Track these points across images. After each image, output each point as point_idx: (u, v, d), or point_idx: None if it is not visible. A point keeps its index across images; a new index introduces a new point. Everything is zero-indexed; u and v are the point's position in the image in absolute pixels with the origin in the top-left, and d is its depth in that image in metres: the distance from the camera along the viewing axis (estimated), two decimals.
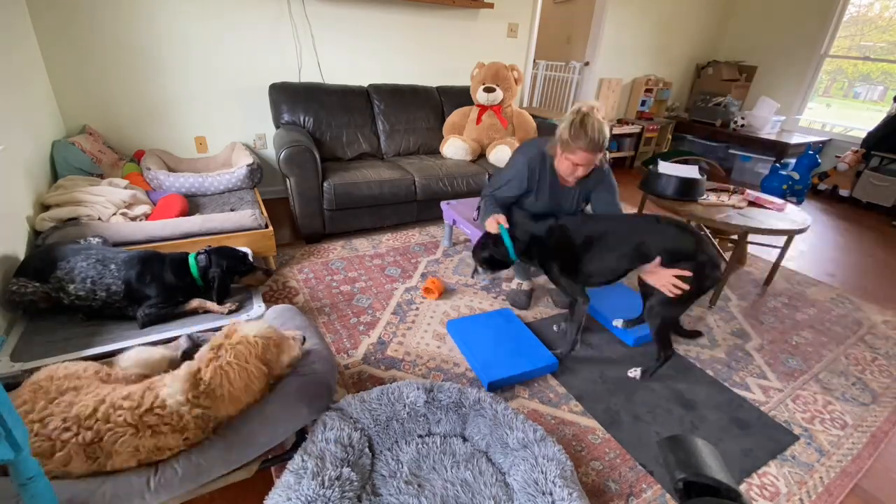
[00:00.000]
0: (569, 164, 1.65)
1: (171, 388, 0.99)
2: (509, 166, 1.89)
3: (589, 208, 1.93)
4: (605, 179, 1.80)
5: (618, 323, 1.94)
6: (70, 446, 0.89)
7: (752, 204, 2.37)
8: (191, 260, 1.58)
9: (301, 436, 1.16)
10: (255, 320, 1.53)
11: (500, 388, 1.62)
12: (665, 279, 1.49)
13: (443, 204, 2.56)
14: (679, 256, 1.50)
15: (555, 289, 2.26)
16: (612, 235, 1.63)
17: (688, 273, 1.46)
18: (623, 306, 2.08)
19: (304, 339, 1.22)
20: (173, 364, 1.27)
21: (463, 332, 1.84)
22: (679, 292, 1.47)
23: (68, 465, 0.89)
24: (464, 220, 2.35)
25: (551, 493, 1.05)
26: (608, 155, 1.81)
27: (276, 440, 1.09)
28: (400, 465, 1.18)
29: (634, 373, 1.74)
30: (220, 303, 1.60)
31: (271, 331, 1.10)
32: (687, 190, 2.33)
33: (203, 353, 1.04)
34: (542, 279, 2.39)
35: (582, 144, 1.56)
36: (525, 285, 2.18)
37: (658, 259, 1.53)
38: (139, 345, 1.33)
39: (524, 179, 1.80)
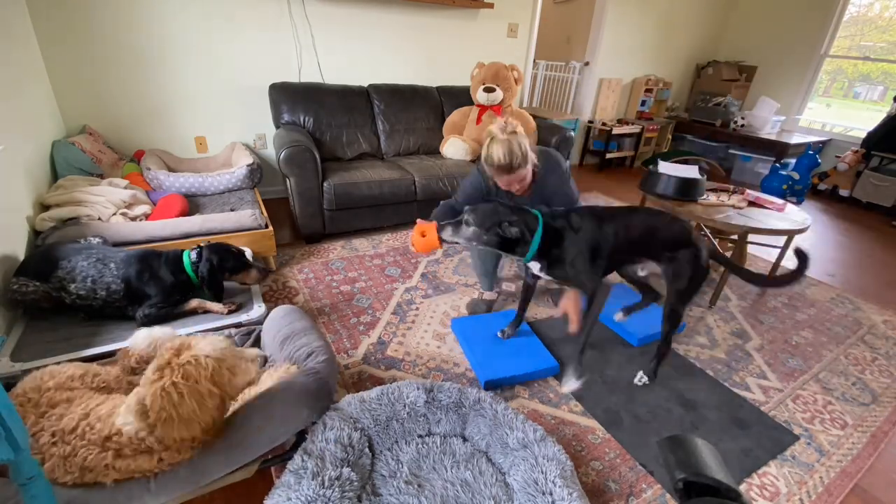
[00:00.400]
0: (501, 183, 1.68)
1: (122, 418, 0.92)
2: (470, 174, 1.88)
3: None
4: (558, 174, 1.75)
5: (618, 316, 1.95)
6: (54, 459, 0.89)
7: (752, 204, 2.37)
8: (185, 256, 1.58)
9: (301, 436, 1.16)
10: (215, 335, 1.52)
11: (497, 387, 1.62)
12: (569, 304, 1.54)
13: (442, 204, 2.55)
14: (678, 245, 1.53)
15: (554, 289, 2.25)
16: (628, 222, 1.56)
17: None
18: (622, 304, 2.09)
19: (266, 360, 1.14)
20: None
21: (466, 331, 1.84)
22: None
23: (55, 476, 0.89)
24: None
25: (551, 493, 1.05)
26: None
27: (277, 441, 1.09)
28: (400, 465, 1.18)
29: (642, 379, 1.70)
30: (214, 298, 1.60)
31: (227, 351, 1.01)
32: (687, 190, 2.33)
33: (148, 373, 0.93)
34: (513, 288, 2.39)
35: (492, 170, 1.59)
36: (487, 295, 2.08)
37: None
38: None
39: (482, 181, 1.78)
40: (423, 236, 1.48)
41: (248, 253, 1.76)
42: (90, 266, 1.47)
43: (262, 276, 1.71)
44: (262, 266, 1.72)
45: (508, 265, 2.51)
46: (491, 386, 1.60)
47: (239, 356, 1.03)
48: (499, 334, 1.82)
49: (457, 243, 1.49)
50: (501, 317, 1.96)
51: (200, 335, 1.06)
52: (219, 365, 0.96)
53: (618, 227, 1.51)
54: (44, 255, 1.50)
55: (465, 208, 1.48)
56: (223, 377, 0.97)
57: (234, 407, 1.10)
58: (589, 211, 1.54)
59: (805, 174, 4.00)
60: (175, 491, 0.96)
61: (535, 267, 1.56)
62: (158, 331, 1.23)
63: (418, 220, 1.55)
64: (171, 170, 2.56)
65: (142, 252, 1.58)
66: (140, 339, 1.21)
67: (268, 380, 1.18)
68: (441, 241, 1.47)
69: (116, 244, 1.75)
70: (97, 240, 1.70)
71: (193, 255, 1.58)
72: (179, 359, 0.93)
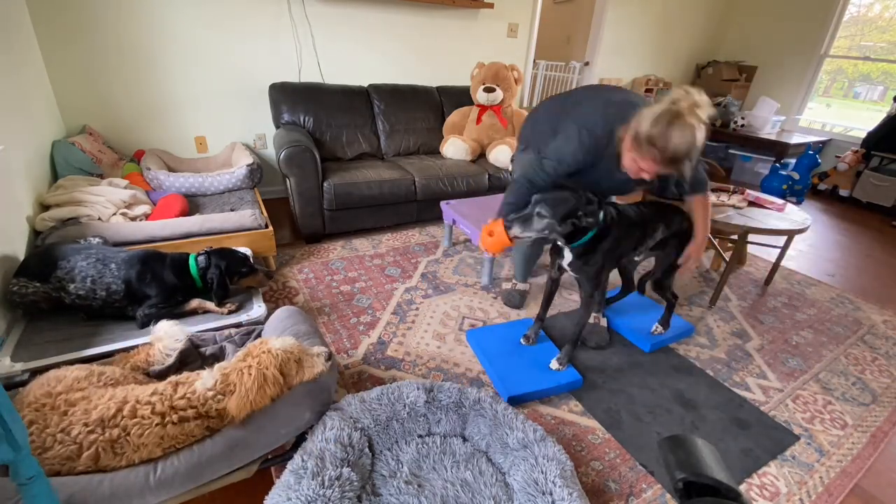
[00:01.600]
0: (633, 164, 1.33)
1: (204, 378, 1.07)
2: (567, 142, 1.43)
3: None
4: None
5: (657, 329, 1.94)
6: (98, 444, 0.95)
7: (752, 204, 2.37)
8: (191, 261, 1.59)
9: (301, 436, 1.16)
10: (268, 329, 1.54)
11: (520, 402, 1.56)
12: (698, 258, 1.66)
13: (442, 204, 2.54)
14: (685, 235, 1.68)
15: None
16: (646, 220, 1.61)
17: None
18: (634, 309, 2.10)
19: (330, 355, 1.22)
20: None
21: (483, 343, 1.78)
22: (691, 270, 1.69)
23: (98, 462, 0.95)
24: (464, 219, 2.34)
25: (551, 493, 1.05)
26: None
27: (278, 442, 1.09)
28: (400, 465, 1.18)
29: (657, 328, 1.91)
30: (219, 303, 1.60)
31: (295, 346, 1.16)
32: None
33: (239, 354, 1.13)
34: (541, 280, 2.39)
35: (655, 153, 1.22)
36: (520, 286, 2.13)
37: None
38: (140, 343, 1.34)
39: (587, 155, 1.42)
40: (491, 236, 1.40)
41: (249, 255, 1.77)
42: (89, 266, 1.47)
43: (267, 279, 1.74)
44: (266, 270, 1.75)
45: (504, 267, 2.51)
46: (514, 401, 1.53)
47: (306, 352, 1.18)
48: (522, 340, 1.80)
49: (529, 237, 1.40)
50: (520, 325, 1.91)
51: (275, 337, 1.18)
52: (287, 357, 1.12)
53: (645, 230, 1.60)
54: (43, 256, 1.49)
55: (533, 199, 1.38)
56: (290, 368, 1.12)
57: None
58: (628, 215, 1.57)
59: (805, 174, 4.00)
60: (176, 489, 0.96)
61: (567, 257, 1.54)
62: (174, 326, 1.30)
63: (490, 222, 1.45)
64: (171, 170, 2.56)
65: (143, 253, 1.57)
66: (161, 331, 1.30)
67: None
68: (511, 238, 1.40)
69: (116, 244, 1.75)
70: (97, 240, 1.70)
71: (201, 259, 1.59)
72: (260, 348, 1.11)
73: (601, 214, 1.41)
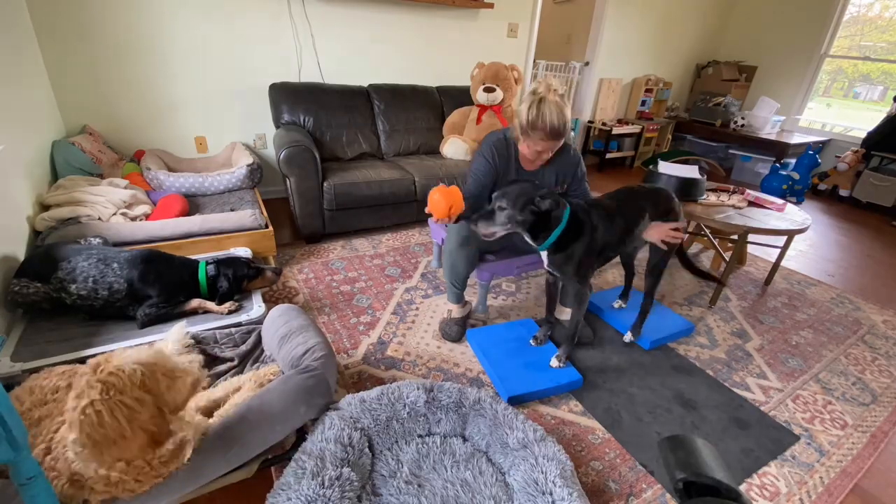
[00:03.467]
0: (531, 150, 1.57)
1: (76, 460, 0.81)
2: (475, 158, 1.74)
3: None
4: (578, 166, 1.75)
5: (618, 304, 2.10)
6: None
7: (752, 204, 2.37)
8: (201, 269, 1.60)
9: (301, 435, 1.16)
10: (252, 321, 1.52)
11: (520, 402, 1.55)
12: (664, 231, 1.58)
13: (431, 221, 2.22)
14: (665, 212, 1.68)
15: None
16: (626, 208, 1.60)
17: (678, 224, 1.63)
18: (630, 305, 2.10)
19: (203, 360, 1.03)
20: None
21: (483, 343, 1.78)
22: (680, 238, 1.61)
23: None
24: None
25: (551, 493, 1.05)
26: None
27: (275, 439, 1.09)
28: (400, 465, 1.18)
29: (629, 337, 1.90)
30: (220, 302, 1.60)
31: (158, 356, 0.90)
32: (687, 190, 2.33)
33: (69, 400, 0.82)
34: (492, 302, 2.38)
35: (541, 134, 1.48)
36: (456, 312, 1.88)
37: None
38: (140, 343, 1.34)
39: (493, 163, 1.67)
40: (449, 217, 1.43)
41: (248, 253, 1.77)
42: (91, 266, 1.47)
43: (277, 274, 1.75)
44: (273, 267, 1.76)
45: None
46: (514, 401, 1.53)
47: (174, 362, 0.92)
48: (532, 342, 1.79)
49: (494, 233, 1.43)
50: (519, 325, 1.90)
51: (123, 348, 0.94)
52: (150, 371, 0.85)
53: (626, 219, 1.58)
54: (44, 256, 1.49)
55: (493, 195, 1.44)
56: (158, 384, 0.86)
57: (226, 406, 1.11)
58: (603, 207, 1.56)
59: (805, 174, 4.00)
60: (175, 491, 0.95)
61: (544, 258, 1.55)
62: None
63: (442, 186, 1.47)
64: (171, 170, 2.56)
65: (146, 252, 1.58)
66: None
67: (250, 381, 1.19)
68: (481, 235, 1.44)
69: (116, 244, 1.75)
70: (97, 240, 1.70)
71: (210, 268, 1.61)
72: (98, 374, 0.82)
73: (565, 208, 1.44)
